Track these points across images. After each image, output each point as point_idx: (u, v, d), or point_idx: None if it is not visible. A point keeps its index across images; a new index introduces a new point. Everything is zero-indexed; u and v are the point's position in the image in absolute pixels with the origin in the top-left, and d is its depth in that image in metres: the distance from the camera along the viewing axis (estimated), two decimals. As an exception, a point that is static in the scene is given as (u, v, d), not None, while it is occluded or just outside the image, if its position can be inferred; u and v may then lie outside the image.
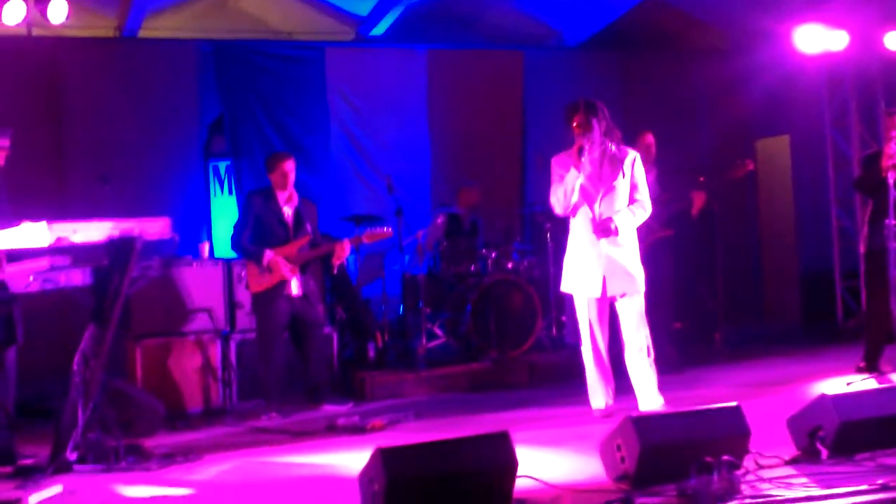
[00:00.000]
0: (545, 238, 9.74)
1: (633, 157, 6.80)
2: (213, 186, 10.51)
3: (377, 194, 10.41)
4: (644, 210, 6.80)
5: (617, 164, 6.74)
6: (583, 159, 6.64)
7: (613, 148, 6.76)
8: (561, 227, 9.66)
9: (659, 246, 8.47)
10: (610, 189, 6.71)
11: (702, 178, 8.95)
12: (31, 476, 5.57)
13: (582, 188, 6.69)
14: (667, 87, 11.45)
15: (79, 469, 5.70)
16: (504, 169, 11.21)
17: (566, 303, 9.53)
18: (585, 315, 6.79)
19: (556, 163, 6.82)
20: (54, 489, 5.30)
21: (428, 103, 10.97)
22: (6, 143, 6.25)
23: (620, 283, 6.72)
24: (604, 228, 6.64)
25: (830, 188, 10.74)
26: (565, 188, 6.68)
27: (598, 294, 6.72)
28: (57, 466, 5.64)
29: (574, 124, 6.71)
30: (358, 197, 10.65)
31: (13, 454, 6.07)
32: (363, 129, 10.76)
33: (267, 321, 7.80)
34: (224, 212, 10.42)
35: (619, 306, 6.79)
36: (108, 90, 9.79)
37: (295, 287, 7.84)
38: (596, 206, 6.70)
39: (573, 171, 6.65)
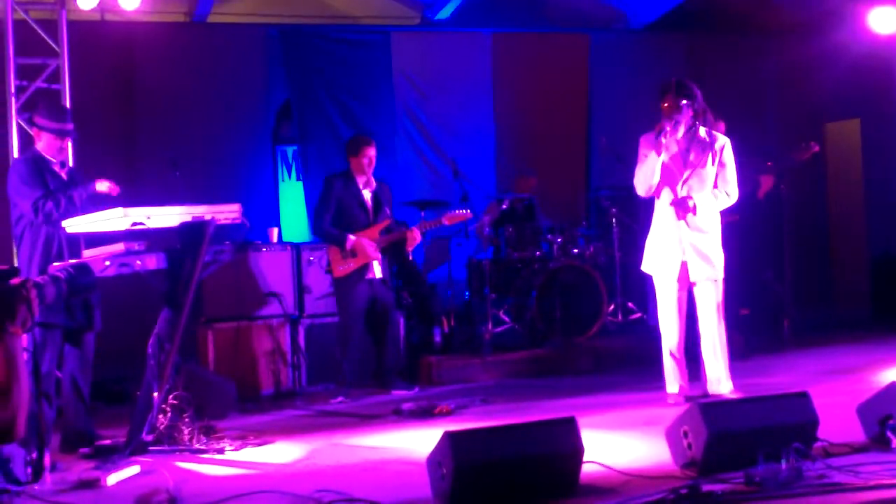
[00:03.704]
0: (611, 222, 9.72)
1: (723, 143, 6.75)
2: (282, 172, 10.62)
3: (442, 179, 10.44)
4: (728, 197, 6.76)
5: (706, 148, 6.70)
6: (664, 140, 6.61)
7: (704, 132, 6.73)
8: (627, 211, 9.69)
9: (726, 231, 8.41)
10: (695, 173, 6.68)
11: (769, 163, 8.88)
12: (108, 457, 5.72)
13: (666, 169, 6.66)
14: (735, 69, 11.32)
15: (154, 450, 5.84)
16: (569, 153, 11.16)
17: (633, 288, 9.53)
18: (664, 298, 6.78)
19: (643, 142, 6.79)
20: (132, 469, 5.44)
21: (493, 87, 10.95)
22: (70, 126, 6.37)
23: (701, 268, 6.71)
24: (682, 206, 6.62)
25: (902, 172, 10.58)
26: (646, 169, 6.67)
27: (677, 278, 6.72)
28: (133, 448, 5.78)
29: (663, 104, 6.68)
30: (422, 181, 10.68)
31: (92, 435, 6.23)
32: (428, 114, 10.77)
33: (349, 305, 7.87)
34: (292, 197, 10.53)
35: (698, 291, 6.76)
36: (179, 75, 9.90)
37: (378, 270, 7.92)
38: (679, 189, 6.68)
39: (654, 153, 6.63)
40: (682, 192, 6.67)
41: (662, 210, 6.78)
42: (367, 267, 7.87)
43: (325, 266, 8.12)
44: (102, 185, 6.34)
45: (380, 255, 7.92)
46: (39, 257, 6.16)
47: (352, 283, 7.87)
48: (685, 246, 6.70)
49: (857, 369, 7.68)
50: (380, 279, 7.95)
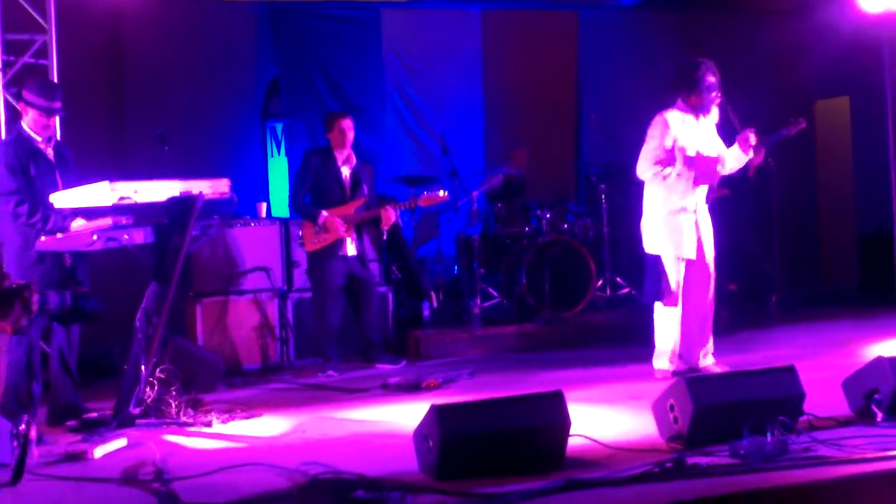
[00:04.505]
0: (600, 198, 9.72)
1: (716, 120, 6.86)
2: (270, 147, 10.60)
3: (431, 155, 10.43)
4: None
5: (714, 127, 6.84)
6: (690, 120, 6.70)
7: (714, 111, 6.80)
8: (617, 188, 9.69)
9: (715, 206, 8.43)
10: (709, 150, 6.80)
11: (756, 138, 8.87)
12: (95, 429, 5.71)
13: (683, 150, 6.71)
14: (725, 48, 11.25)
15: (141, 423, 5.83)
16: (558, 130, 11.14)
17: (622, 263, 9.55)
18: (676, 276, 6.77)
19: (657, 123, 6.76)
20: (119, 442, 5.44)
21: (482, 63, 10.92)
22: (58, 104, 6.31)
23: (711, 246, 6.82)
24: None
25: (890, 150, 10.57)
26: (664, 174, 6.67)
27: (694, 256, 6.74)
28: (121, 421, 5.76)
29: (697, 85, 6.68)
30: (412, 157, 10.66)
31: (79, 409, 6.23)
32: (418, 90, 10.73)
33: (322, 280, 7.91)
34: (280, 173, 10.51)
35: (703, 269, 6.83)
36: (168, 51, 9.83)
37: (350, 248, 7.93)
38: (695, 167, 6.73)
39: (686, 130, 6.67)
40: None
41: (673, 189, 6.75)
42: (339, 243, 7.89)
43: (299, 239, 8.14)
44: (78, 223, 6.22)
45: (353, 233, 7.92)
46: (21, 228, 6.10)
47: (324, 259, 7.90)
48: (701, 226, 6.79)
49: (843, 344, 7.72)
50: (354, 256, 7.96)
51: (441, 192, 8.22)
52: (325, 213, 7.87)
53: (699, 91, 6.68)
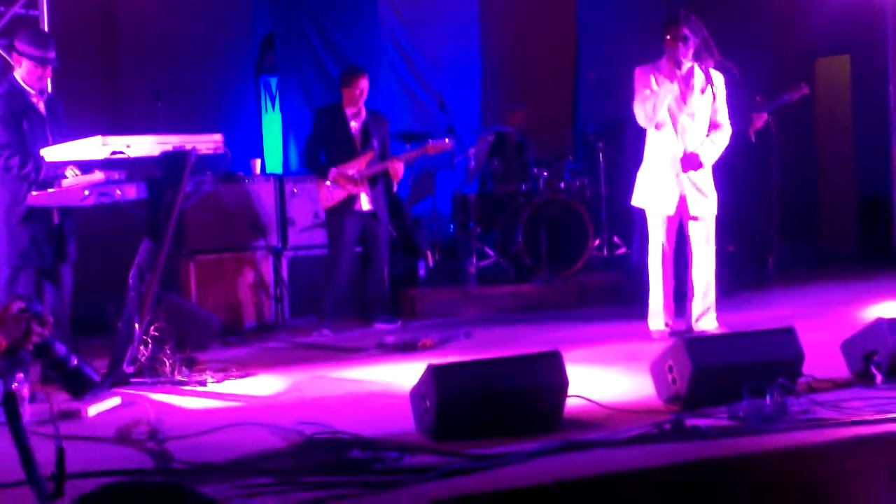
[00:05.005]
0: (597, 157, 9.64)
1: (719, 80, 6.72)
2: (265, 103, 10.50)
3: (427, 111, 10.31)
4: (724, 135, 6.78)
5: (705, 84, 6.67)
6: (676, 73, 6.57)
7: (703, 67, 6.65)
8: (614, 146, 9.61)
9: (715, 166, 8.36)
10: (695, 109, 6.66)
11: (758, 98, 8.79)
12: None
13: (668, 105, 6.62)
14: (726, 4, 11.17)
15: (136, 382, 5.80)
16: (556, 87, 11.04)
17: (619, 222, 9.48)
18: (658, 232, 6.73)
19: (639, 74, 6.68)
20: (112, 401, 5.42)
21: (480, 18, 10.80)
22: (52, 54, 6.20)
23: (698, 204, 6.71)
24: (692, 164, 6.60)
25: (891, 110, 10.49)
26: (655, 102, 6.57)
27: (674, 212, 6.67)
28: (114, 379, 5.73)
29: (668, 36, 6.59)
30: (407, 114, 10.54)
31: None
32: (414, 45, 10.60)
33: (336, 236, 7.89)
34: (273, 128, 10.42)
35: (692, 227, 6.76)
36: (162, 3, 9.72)
37: (365, 202, 7.88)
38: (680, 125, 6.64)
39: (667, 86, 6.54)
40: (681, 128, 6.61)
41: (659, 144, 6.71)
42: (353, 199, 7.84)
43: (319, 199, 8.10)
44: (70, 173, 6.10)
45: (366, 187, 7.86)
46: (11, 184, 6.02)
47: (340, 215, 7.86)
48: (683, 180, 6.66)
49: (841, 306, 7.67)
50: (368, 211, 7.90)
51: (445, 140, 8.19)
52: (333, 170, 7.81)
53: (671, 44, 6.58)
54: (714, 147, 6.73)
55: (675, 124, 6.65)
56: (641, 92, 6.64)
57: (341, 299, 7.95)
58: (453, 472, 3.96)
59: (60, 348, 3.16)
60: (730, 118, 6.93)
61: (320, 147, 7.96)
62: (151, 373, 5.88)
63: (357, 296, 8.16)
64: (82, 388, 3.39)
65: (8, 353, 2.94)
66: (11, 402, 3.39)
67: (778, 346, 4.98)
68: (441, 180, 9.78)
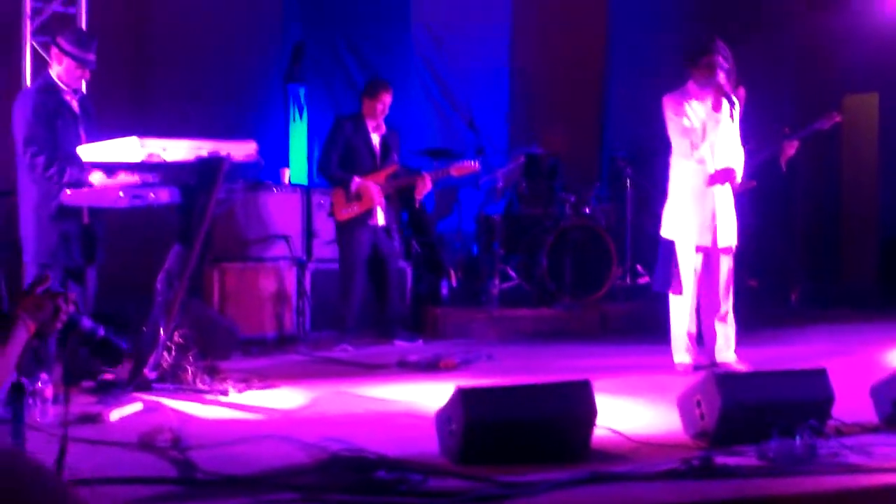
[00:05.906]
0: (625, 183, 9.61)
1: (737, 105, 6.69)
2: (293, 112, 10.49)
3: (454, 129, 10.32)
4: (742, 160, 6.77)
5: (731, 111, 6.64)
6: (704, 101, 6.56)
7: (727, 95, 6.63)
8: (643, 172, 9.57)
9: (739, 198, 8.32)
10: (724, 136, 6.65)
11: (786, 129, 8.76)
12: (111, 391, 5.65)
13: (694, 132, 6.60)
14: (753, 38, 11.15)
15: (158, 388, 5.77)
16: (584, 110, 11.04)
17: (643, 251, 9.43)
18: (690, 264, 6.68)
19: (671, 102, 6.66)
20: (134, 406, 5.38)
21: (511, 39, 10.80)
22: (92, 56, 6.20)
23: (730, 234, 6.69)
24: (728, 177, 6.57)
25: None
26: (700, 136, 6.56)
27: (710, 244, 6.63)
28: (137, 384, 5.70)
29: (702, 63, 6.58)
30: (434, 130, 10.56)
31: (94, 369, 6.15)
32: (445, 65, 10.63)
33: (350, 251, 7.80)
34: (300, 138, 10.41)
35: (721, 259, 6.71)
36: (196, 6, 9.73)
37: (381, 217, 7.82)
38: (708, 152, 6.61)
39: (700, 114, 6.53)
40: (711, 155, 6.58)
41: (690, 173, 6.67)
42: (370, 212, 7.78)
43: (329, 209, 8.01)
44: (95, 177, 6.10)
45: (384, 201, 7.81)
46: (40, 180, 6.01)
47: (354, 229, 7.79)
48: (718, 211, 6.63)
49: (865, 347, 7.60)
50: (382, 227, 7.86)
51: (472, 162, 8.15)
52: (357, 179, 7.74)
53: (705, 71, 6.56)
54: (740, 168, 6.73)
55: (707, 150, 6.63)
56: (678, 121, 6.61)
57: (360, 315, 7.90)
58: (481, 498, 3.91)
59: (86, 322, 3.16)
60: (760, 148, 6.97)
61: (335, 154, 7.84)
62: (174, 379, 5.84)
63: (374, 312, 8.10)
64: (113, 357, 3.37)
65: (38, 336, 2.94)
66: (19, 391, 3.40)
67: (809, 387, 4.92)
68: (464, 199, 9.75)
